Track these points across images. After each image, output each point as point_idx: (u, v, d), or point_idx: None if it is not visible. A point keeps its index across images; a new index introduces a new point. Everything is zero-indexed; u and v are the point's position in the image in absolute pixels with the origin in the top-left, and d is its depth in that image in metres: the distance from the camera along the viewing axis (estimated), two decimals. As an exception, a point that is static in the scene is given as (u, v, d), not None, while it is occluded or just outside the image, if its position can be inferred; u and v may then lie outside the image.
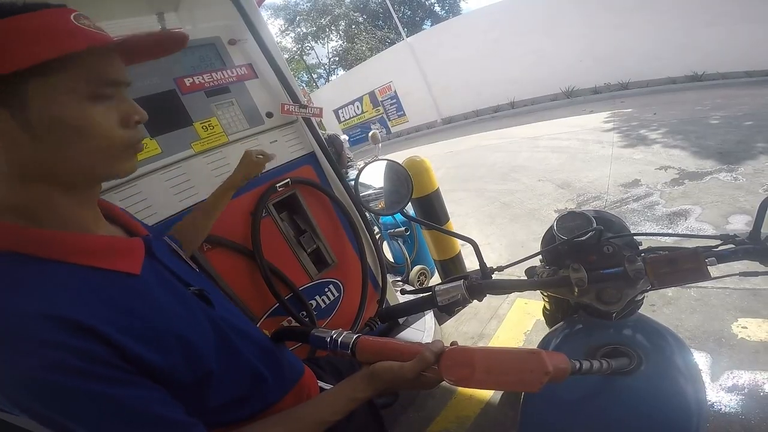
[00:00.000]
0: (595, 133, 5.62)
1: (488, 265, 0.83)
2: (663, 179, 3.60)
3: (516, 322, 2.34)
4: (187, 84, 1.37)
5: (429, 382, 0.60)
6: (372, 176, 0.93)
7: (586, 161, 4.69)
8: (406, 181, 0.88)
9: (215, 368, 0.58)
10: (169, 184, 1.33)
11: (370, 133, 3.71)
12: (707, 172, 3.47)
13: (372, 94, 12.66)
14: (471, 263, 2.77)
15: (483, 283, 0.79)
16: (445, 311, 0.83)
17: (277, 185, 1.54)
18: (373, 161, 0.89)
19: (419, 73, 11.16)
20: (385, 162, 0.91)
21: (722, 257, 0.67)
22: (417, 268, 2.73)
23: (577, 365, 0.55)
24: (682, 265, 0.66)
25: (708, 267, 0.65)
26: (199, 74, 1.40)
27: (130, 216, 0.70)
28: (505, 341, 2.19)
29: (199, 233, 1.07)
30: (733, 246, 0.68)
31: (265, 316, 1.59)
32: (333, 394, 0.64)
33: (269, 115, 1.58)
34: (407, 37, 11.64)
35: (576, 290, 0.73)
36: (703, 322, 1.94)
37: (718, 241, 0.70)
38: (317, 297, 1.74)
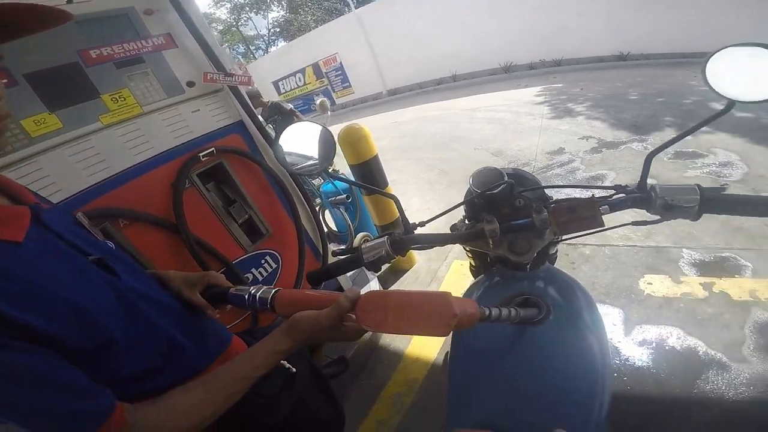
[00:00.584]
0: (528, 106, 5.94)
1: (411, 222, 0.85)
2: (584, 148, 3.91)
3: (453, 283, 2.47)
4: (93, 56, 1.26)
5: (350, 332, 0.61)
6: (294, 140, 0.89)
7: (518, 132, 4.97)
8: (328, 142, 0.86)
9: (119, 336, 0.57)
10: (75, 159, 1.23)
11: (318, 101, 3.57)
12: (622, 141, 3.82)
13: (316, 66, 12.20)
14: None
15: (405, 238, 0.81)
16: (371, 268, 0.84)
17: (201, 155, 1.46)
18: (291, 125, 0.86)
19: (367, 45, 10.91)
20: (306, 124, 0.88)
21: (614, 206, 0.73)
22: (360, 235, 2.74)
23: (486, 312, 0.56)
24: (581, 213, 0.72)
25: (602, 215, 0.72)
26: (108, 46, 1.29)
27: (19, 185, 0.66)
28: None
29: None
30: (624, 195, 0.75)
31: (197, 293, 1.52)
32: (253, 349, 0.64)
33: (190, 84, 1.49)
34: (356, 8, 11.25)
35: (490, 242, 0.77)
36: (615, 278, 2.14)
37: (612, 192, 0.77)
38: (254, 270, 1.69)
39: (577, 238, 0.77)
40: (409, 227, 0.84)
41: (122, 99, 1.32)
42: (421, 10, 9.68)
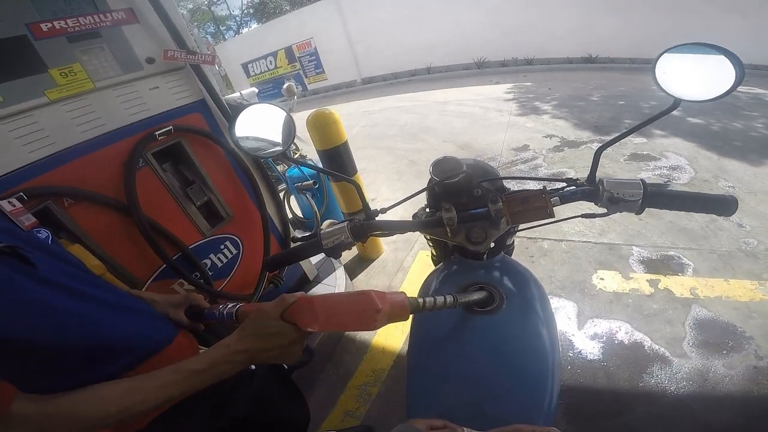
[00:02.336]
0: (497, 102, 6.07)
1: (372, 208, 0.85)
2: (547, 146, 4.06)
3: (419, 274, 2.49)
4: (44, 29, 1.19)
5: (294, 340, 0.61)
6: (254, 124, 0.86)
7: (486, 126, 5.07)
8: (287, 124, 0.83)
9: (21, 333, 0.52)
10: (15, 135, 1.16)
11: (284, 86, 3.43)
12: (583, 141, 3.98)
13: (288, 50, 11.85)
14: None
15: (366, 224, 0.80)
16: (330, 255, 0.83)
17: (158, 133, 1.39)
18: (249, 106, 0.82)
19: (343, 31, 10.71)
20: (264, 107, 0.85)
21: (564, 197, 0.75)
22: (326, 222, 2.68)
23: (420, 302, 0.58)
24: (533, 204, 0.73)
25: (553, 207, 0.73)
26: (61, 19, 1.22)
27: None
28: (413, 292, 2.31)
29: None
30: (574, 187, 0.77)
31: (150, 280, 1.45)
32: (211, 347, 0.63)
33: (150, 60, 1.42)
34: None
35: (448, 231, 0.78)
36: (571, 273, 2.23)
37: (564, 184, 0.79)
38: (212, 255, 1.63)
39: (537, 233, 0.79)
40: (371, 213, 0.83)
41: (72, 74, 1.26)
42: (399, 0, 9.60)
